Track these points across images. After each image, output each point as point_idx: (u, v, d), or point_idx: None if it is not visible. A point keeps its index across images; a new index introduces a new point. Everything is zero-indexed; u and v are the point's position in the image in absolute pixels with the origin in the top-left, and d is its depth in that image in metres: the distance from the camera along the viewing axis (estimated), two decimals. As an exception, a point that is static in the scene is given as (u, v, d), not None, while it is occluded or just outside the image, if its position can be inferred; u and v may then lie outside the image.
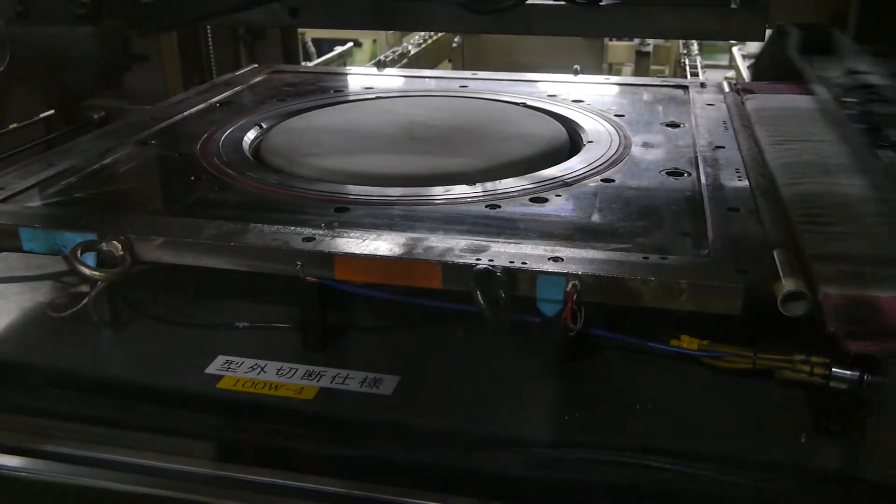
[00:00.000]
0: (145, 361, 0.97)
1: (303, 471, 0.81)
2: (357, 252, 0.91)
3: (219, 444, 0.85)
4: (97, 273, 0.94)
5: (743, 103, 1.53)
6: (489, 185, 1.13)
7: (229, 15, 0.82)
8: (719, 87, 1.66)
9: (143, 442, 0.85)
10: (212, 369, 0.94)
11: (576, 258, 0.89)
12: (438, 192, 1.11)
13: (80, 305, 1.00)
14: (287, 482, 0.81)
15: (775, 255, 0.88)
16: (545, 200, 1.09)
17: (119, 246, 0.95)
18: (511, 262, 0.87)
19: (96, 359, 0.99)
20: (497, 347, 0.98)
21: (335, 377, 0.92)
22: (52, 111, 1.77)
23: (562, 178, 1.17)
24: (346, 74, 1.97)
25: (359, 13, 1.12)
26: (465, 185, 1.13)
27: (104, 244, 0.95)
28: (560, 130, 1.39)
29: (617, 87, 1.71)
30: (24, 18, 0.64)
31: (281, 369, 0.94)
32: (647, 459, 0.81)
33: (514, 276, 0.87)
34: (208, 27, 1.80)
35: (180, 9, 0.74)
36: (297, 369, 0.94)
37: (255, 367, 0.95)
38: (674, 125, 1.43)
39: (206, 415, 0.87)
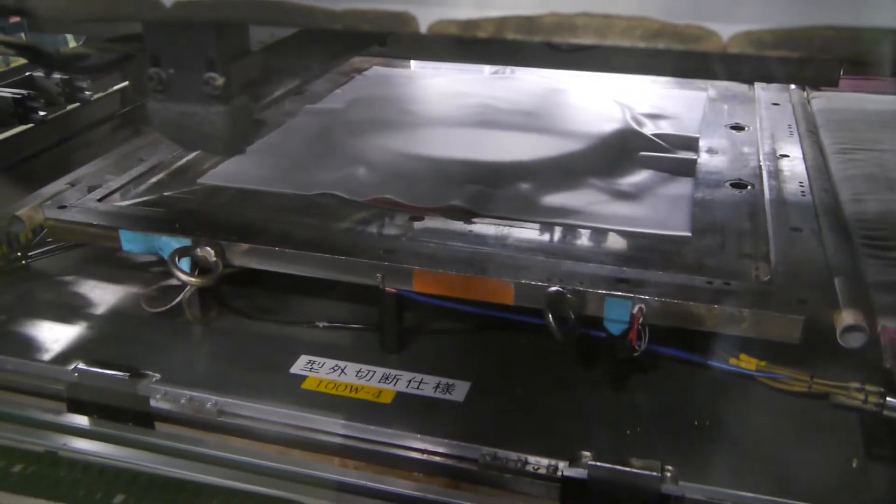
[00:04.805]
0: (235, 360, 1.04)
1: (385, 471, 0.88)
2: (435, 268, 0.97)
3: (307, 443, 0.92)
4: (193, 280, 1.02)
5: (809, 101, 1.54)
6: None
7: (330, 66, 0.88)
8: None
9: (234, 436, 0.93)
10: (296, 369, 1.01)
11: (642, 280, 0.93)
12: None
13: (174, 303, 1.08)
14: (367, 482, 0.88)
15: (836, 284, 0.91)
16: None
17: (212, 252, 1.03)
18: (580, 283, 0.92)
19: (193, 356, 1.07)
20: (561, 356, 1.03)
21: (410, 381, 0.99)
22: (126, 83, 1.82)
23: None
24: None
25: (443, 47, 1.17)
26: None
27: (198, 250, 1.03)
28: None
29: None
30: (161, 95, 0.70)
31: (360, 371, 1.01)
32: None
33: (583, 298, 0.92)
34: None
35: (294, 76, 0.79)
36: (374, 371, 1.01)
37: (335, 367, 1.01)
38: (738, 128, 1.45)
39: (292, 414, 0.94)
